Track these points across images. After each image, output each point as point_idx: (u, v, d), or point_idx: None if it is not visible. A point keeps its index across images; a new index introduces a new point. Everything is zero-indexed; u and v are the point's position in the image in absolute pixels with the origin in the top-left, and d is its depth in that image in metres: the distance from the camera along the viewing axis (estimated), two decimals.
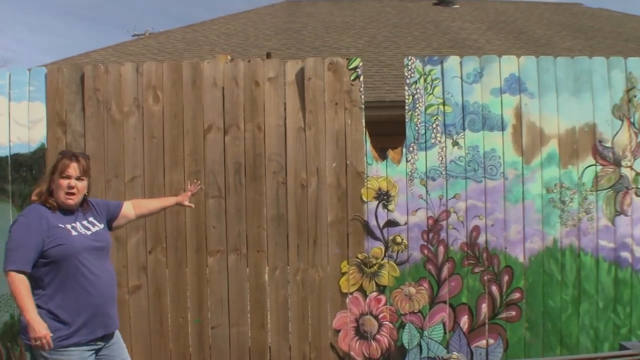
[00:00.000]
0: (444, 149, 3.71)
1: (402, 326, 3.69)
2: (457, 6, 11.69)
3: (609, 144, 3.82)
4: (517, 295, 3.75)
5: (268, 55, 7.76)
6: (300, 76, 3.66)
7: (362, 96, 3.70)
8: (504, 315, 3.74)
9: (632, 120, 3.84)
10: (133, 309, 3.61)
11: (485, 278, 3.73)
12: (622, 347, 2.23)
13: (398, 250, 3.68)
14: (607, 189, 3.81)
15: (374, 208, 3.66)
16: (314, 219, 3.63)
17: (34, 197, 2.43)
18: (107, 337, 2.48)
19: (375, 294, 3.67)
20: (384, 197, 3.67)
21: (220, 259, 3.62)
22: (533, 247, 3.76)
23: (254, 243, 3.62)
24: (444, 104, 3.71)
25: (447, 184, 3.70)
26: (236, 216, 3.62)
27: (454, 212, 3.71)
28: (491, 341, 3.74)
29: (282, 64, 3.70)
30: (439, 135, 3.70)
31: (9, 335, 3.63)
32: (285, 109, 3.66)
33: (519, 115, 3.76)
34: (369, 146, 3.68)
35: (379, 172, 3.68)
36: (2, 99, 3.62)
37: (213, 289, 3.62)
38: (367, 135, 3.69)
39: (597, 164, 3.81)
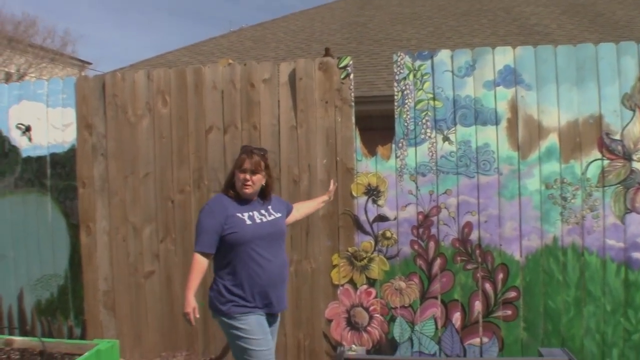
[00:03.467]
0: (434, 144, 3.70)
1: (392, 319, 3.76)
2: None
3: (617, 137, 3.58)
4: (513, 294, 3.65)
5: (326, 51, 7.93)
6: (293, 77, 3.84)
7: (352, 94, 3.79)
8: (499, 313, 3.67)
9: None
10: (148, 292, 4.02)
11: (479, 275, 3.68)
12: (540, 354, 2.15)
13: (388, 245, 3.74)
14: (616, 184, 3.58)
15: (363, 203, 3.76)
16: None
17: (225, 187, 2.74)
18: (272, 317, 2.71)
19: (365, 286, 3.77)
20: (373, 193, 3.74)
21: None
22: (530, 245, 3.64)
23: None
24: (434, 98, 3.70)
25: (438, 180, 3.69)
26: None
27: (445, 207, 3.69)
28: (485, 340, 3.68)
29: (277, 66, 3.90)
30: (428, 130, 3.70)
31: (50, 311, 4.20)
32: (279, 108, 3.86)
33: (514, 108, 3.64)
34: (358, 143, 3.78)
35: (369, 168, 3.76)
36: (41, 105, 4.19)
37: None
38: (357, 132, 3.79)
39: (604, 158, 3.59)
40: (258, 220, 2.63)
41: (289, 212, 3.01)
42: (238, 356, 2.60)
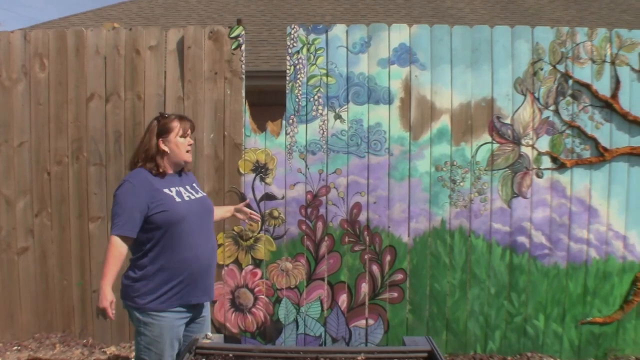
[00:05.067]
0: (326, 122, 3.57)
1: (278, 301, 3.65)
2: None
3: (508, 121, 3.56)
4: (399, 276, 3.61)
5: (239, 22, 7.72)
6: (181, 45, 3.61)
7: (243, 66, 3.61)
8: (385, 296, 3.62)
9: (536, 95, 3.55)
10: (22, 270, 3.75)
11: (366, 257, 3.61)
12: (403, 343, 2.08)
13: (275, 225, 3.61)
14: (504, 168, 3.57)
15: (251, 181, 3.60)
16: None
17: (138, 163, 2.34)
18: (198, 308, 2.42)
19: (251, 267, 3.63)
20: (261, 170, 3.59)
21: (100, 225, 3.68)
22: (419, 227, 3.59)
23: None
24: (327, 75, 3.56)
25: (328, 159, 3.58)
26: (116, 184, 3.56)
27: (334, 187, 3.58)
28: (371, 322, 3.63)
29: (164, 32, 3.66)
30: (320, 107, 3.57)
31: None
32: (165, 78, 3.63)
33: (408, 88, 3.56)
34: (247, 117, 3.61)
35: (257, 144, 3.60)
36: None
37: (94, 254, 3.70)
38: (247, 106, 3.62)
39: (494, 141, 3.56)
40: (186, 198, 2.35)
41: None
42: (139, 354, 2.32)
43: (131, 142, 3.62)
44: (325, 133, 3.57)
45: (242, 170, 3.61)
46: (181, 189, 2.38)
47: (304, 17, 7.96)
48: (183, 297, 2.30)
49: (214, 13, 8.26)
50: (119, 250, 2.21)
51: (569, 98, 3.55)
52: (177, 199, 2.30)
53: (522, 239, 3.59)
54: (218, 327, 3.66)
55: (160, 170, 2.33)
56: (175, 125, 2.37)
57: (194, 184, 2.50)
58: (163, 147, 2.34)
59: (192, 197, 2.39)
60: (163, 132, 2.36)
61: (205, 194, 2.55)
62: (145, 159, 2.34)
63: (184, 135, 2.38)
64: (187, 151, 2.40)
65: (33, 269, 3.75)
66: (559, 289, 3.60)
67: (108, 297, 2.20)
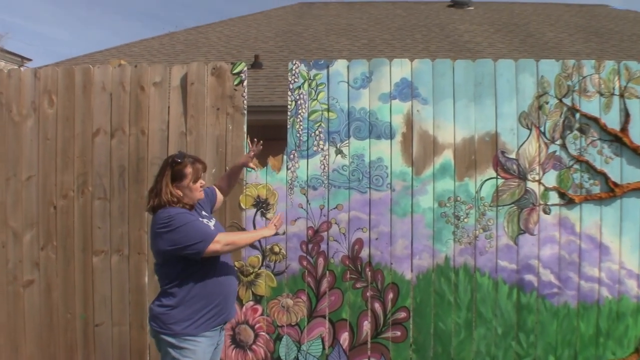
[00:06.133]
0: (327, 157, 3.55)
1: (279, 338, 3.59)
2: (472, 8, 11.08)
3: (513, 155, 3.48)
4: (402, 314, 3.52)
5: (256, 58, 7.82)
6: (185, 81, 3.66)
7: (245, 101, 3.63)
8: (388, 334, 3.53)
9: (542, 129, 3.47)
10: (27, 302, 3.79)
11: (368, 294, 3.54)
12: None
13: (276, 260, 3.58)
14: (510, 204, 3.48)
15: (252, 216, 3.59)
16: None
17: (170, 203, 2.43)
18: (221, 332, 2.57)
19: (251, 303, 3.60)
20: (262, 205, 3.58)
21: (104, 258, 3.71)
22: (422, 264, 3.51)
23: (135, 245, 3.67)
24: (328, 110, 3.55)
25: (329, 194, 3.55)
26: (119, 218, 3.69)
27: (336, 223, 3.55)
28: None
29: (169, 69, 3.72)
30: (321, 142, 3.56)
31: None
32: (168, 113, 3.67)
33: (409, 122, 3.52)
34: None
35: (259, 179, 3.60)
36: None
37: (97, 288, 3.72)
38: (248, 141, 3.62)
39: (499, 177, 3.49)
40: (213, 227, 2.52)
41: (213, 200, 2.86)
42: None
43: (134, 177, 3.66)
44: (326, 168, 3.55)
45: (243, 206, 3.60)
46: (204, 219, 2.53)
47: (322, 52, 8.03)
48: (217, 319, 2.45)
49: (233, 49, 8.41)
50: (234, 234, 2.69)
51: (576, 132, 3.46)
52: (212, 226, 2.49)
53: (529, 277, 3.47)
54: None
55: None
56: (189, 172, 2.48)
57: (203, 212, 2.62)
58: (177, 192, 2.45)
59: (211, 223, 2.55)
60: (176, 177, 2.46)
61: (215, 218, 2.70)
62: (168, 202, 2.43)
63: (196, 180, 2.50)
64: (200, 191, 2.56)
65: (38, 301, 3.78)
66: (569, 330, 3.46)
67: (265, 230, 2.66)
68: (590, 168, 3.44)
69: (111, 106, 3.72)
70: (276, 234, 3.00)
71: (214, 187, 2.96)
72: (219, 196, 2.96)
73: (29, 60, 21.19)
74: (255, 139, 3.13)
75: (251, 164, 3.06)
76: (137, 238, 3.68)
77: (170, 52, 8.22)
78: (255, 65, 7.63)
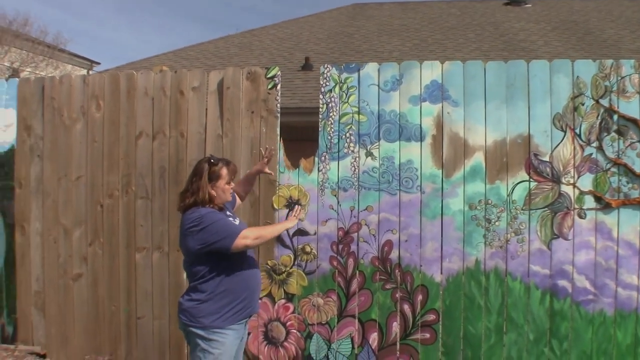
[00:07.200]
0: (357, 159, 3.60)
1: (309, 336, 3.68)
2: (529, 5, 10.74)
3: (546, 158, 3.42)
4: (432, 316, 3.53)
5: (306, 60, 7.92)
6: (221, 85, 3.80)
7: (278, 105, 3.74)
8: (417, 336, 3.54)
9: (577, 131, 3.39)
10: (76, 295, 4.04)
11: (397, 296, 3.56)
12: None
13: (307, 260, 3.67)
14: (543, 208, 3.42)
15: (284, 216, 3.68)
16: None
17: (204, 203, 2.56)
18: (246, 325, 2.71)
19: (283, 301, 3.70)
20: (294, 206, 3.67)
21: (146, 255, 3.91)
22: (451, 267, 3.50)
23: (174, 242, 3.84)
24: (358, 112, 3.60)
25: (359, 195, 3.60)
26: (160, 217, 3.88)
27: (366, 224, 3.59)
28: None
29: (206, 74, 3.87)
30: (352, 145, 3.61)
31: None
32: (206, 116, 3.83)
33: (440, 124, 3.52)
34: (282, 154, 3.71)
35: (291, 180, 3.69)
36: None
37: (139, 283, 3.92)
38: (282, 144, 3.72)
39: (531, 179, 3.43)
40: (237, 223, 2.66)
41: (233, 203, 3.01)
42: None
43: (174, 178, 3.84)
44: (356, 170, 3.60)
45: (275, 206, 3.70)
46: (230, 218, 2.66)
47: (372, 53, 8.04)
48: (244, 312, 2.58)
49: (285, 51, 8.55)
50: (260, 228, 2.84)
51: (614, 134, 3.36)
52: (237, 224, 2.62)
53: (563, 282, 3.40)
54: (251, 359, 3.73)
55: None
56: (224, 173, 2.62)
57: (227, 212, 2.74)
58: (212, 192, 2.58)
59: (236, 222, 2.67)
60: (212, 178, 2.59)
61: (239, 218, 2.82)
62: (201, 202, 2.55)
63: (229, 182, 2.64)
64: (230, 193, 2.71)
65: (85, 294, 4.03)
66: (605, 338, 3.36)
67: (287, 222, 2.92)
68: (628, 171, 3.34)
69: (153, 110, 3.91)
70: (305, 231, 3.08)
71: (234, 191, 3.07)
72: (238, 200, 3.12)
73: (98, 63, 22.18)
74: (267, 146, 3.32)
75: (266, 170, 3.20)
76: (176, 236, 3.79)
77: (225, 55, 8.44)
78: (306, 67, 7.72)
